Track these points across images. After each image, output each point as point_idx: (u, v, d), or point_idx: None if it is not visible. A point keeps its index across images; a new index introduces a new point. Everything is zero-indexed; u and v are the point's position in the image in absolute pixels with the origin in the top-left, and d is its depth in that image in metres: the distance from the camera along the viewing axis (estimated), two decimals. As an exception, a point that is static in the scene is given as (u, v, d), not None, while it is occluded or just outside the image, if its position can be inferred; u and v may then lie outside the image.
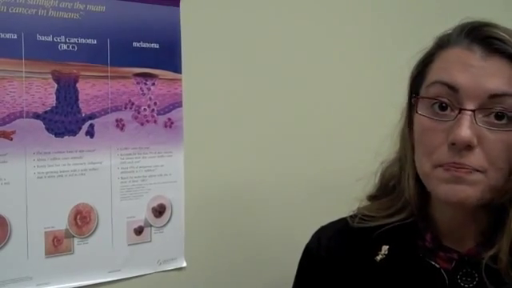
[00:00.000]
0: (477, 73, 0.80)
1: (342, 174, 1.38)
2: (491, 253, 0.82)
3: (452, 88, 0.82)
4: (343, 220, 0.98)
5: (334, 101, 1.39)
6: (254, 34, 1.27)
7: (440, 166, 0.82)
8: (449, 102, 0.82)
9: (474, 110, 0.80)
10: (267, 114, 1.29)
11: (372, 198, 0.97)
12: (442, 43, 0.87)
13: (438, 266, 0.87)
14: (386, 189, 0.95)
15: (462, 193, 0.81)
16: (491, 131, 0.80)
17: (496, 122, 0.80)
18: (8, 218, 0.98)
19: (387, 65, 1.41)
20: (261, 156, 1.29)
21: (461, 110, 0.80)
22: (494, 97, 0.79)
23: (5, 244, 0.98)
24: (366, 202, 0.97)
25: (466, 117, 0.80)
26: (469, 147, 0.80)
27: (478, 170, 0.80)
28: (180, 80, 1.16)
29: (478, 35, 0.83)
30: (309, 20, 1.35)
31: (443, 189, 0.82)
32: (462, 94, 0.81)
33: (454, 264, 0.86)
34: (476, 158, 0.80)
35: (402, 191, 0.91)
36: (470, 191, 0.81)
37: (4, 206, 0.98)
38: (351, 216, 0.97)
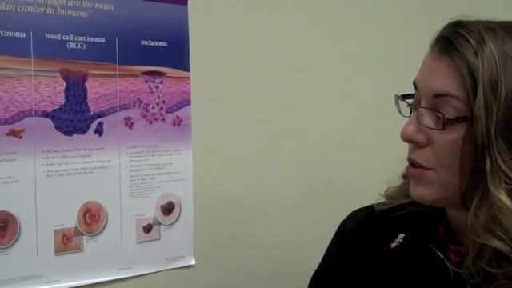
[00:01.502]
0: (428, 72, 0.83)
1: (349, 177, 1.38)
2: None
3: (415, 87, 0.85)
4: (370, 207, 1.01)
5: (344, 103, 1.39)
6: (263, 33, 1.27)
7: (408, 160, 0.86)
8: (413, 101, 0.85)
9: (417, 109, 0.82)
10: (275, 113, 1.29)
11: (403, 176, 0.99)
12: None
13: (442, 256, 0.88)
14: None
15: (418, 193, 0.85)
16: (437, 130, 0.81)
17: (440, 121, 0.80)
18: (17, 216, 0.99)
19: (392, 68, 1.41)
20: (269, 154, 1.29)
21: (412, 107, 0.84)
22: (438, 96, 0.80)
23: (14, 242, 0.99)
24: (397, 182, 0.99)
25: (413, 114, 0.83)
26: (416, 143, 0.82)
27: (427, 168, 0.82)
28: (188, 78, 1.16)
29: (439, 35, 0.84)
30: (320, 20, 1.35)
31: (410, 187, 0.86)
32: (420, 93, 0.83)
33: (459, 259, 0.87)
34: (423, 156, 0.82)
35: None
36: (425, 191, 0.84)
37: (13, 204, 0.98)
38: (378, 203, 0.99)
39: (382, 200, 1.00)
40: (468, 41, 0.79)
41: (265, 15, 1.27)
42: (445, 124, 0.79)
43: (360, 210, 1.05)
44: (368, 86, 1.42)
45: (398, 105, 0.89)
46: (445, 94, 0.80)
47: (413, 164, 0.85)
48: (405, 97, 0.88)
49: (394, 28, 1.46)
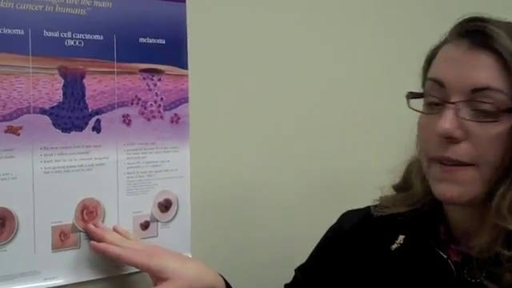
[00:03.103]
0: (461, 67, 0.81)
1: (348, 173, 1.39)
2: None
3: (440, 84, 0.83)
4: (366, 208, 1.01)
5: (340, 99, 1.39)
6: (261, 31, 1.27)
7: (434, 159, 0.83)
8: (437, 98, 0.84)
9: (455, 103, 0.81)
10: (273, 111, 1.30)
11: (394, 188, 0.99)
12: (440, 42, 0.89)
13: (445, 256, 0.88)
14: (404, 185, 0.97)
15: (454, 192, 0.82)
16: (478, 124, 0.80)
17: (481, 114, 0.80)
18: (15, 213, 0.99)
19: (393, 63, 1.42)
20: (266, 152, 1.29)
21: (444, 102, 0.82)
22: (477, 90, 0.80)
23: (12, 238, 0.99)
24: (388, 190, 0.99)
25: (449, 109, 0.81)
26: (453, 139, 0.81)
27: (466, 164, 0.81)
28: (186, 76, 1.16)
29: (465, 29, 0.84)
30: (318, 18, 1.35)
31: (438, 188, 0.84)
32: (447, 89, 0.82)
33: (461, 258, 0.87)
34: (462, 151, 0.81)
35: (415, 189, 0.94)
36: (461, 190, 0.82)
37: (11, 200, 0.98)
38: (374, 206, 0.99)
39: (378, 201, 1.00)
40: (501, 34, 0.80)
41: (264, 13, 1.27)
42: (492, 116, 0.79)
43: (355, 211, 1.04)
44: (368, 84, 1.42)
45: (409, 102, 0.88)
46: (486, 88, 0.80)
47: (441, 162, 0.83)
48: (415, 95, 0.87)
49: (401, 26, 1.46)
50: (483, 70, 0.80)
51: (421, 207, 0.93)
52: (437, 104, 0.84)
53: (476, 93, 0.80)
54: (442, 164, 0.83)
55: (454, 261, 0.88)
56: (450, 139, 0.81)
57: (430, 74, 0.86)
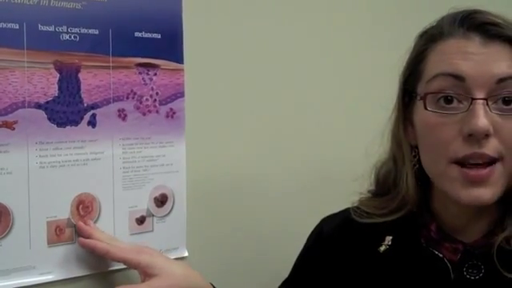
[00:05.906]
0: (480, 60, 0.79)
1: (341, 168, 1.39)
2: (505, 234, 0.82)
3: (457, 78, 0.80)
4: (346, 211, 0.99)
5: (333, 95, 1.39)
6: (257, 26, 1.27)
7: (456, 162, 0.80)
8: (455, 94, 0.80)
9: (486, 99, 0.79)
10: (268, 105, 1.29)
11: (372, 193, 0.97)
12: (433, 37, 0.85)
13: (441, 255, 0.87)
14: (381, 190, 0.95)
15: (488, 194, 0.79)
16: (503, 117, 0.79)
17: (505, 107, 0.79)
18: (10, 208, 0.99)
19: (378, 64, 1.41)
20: (262, 147, 1.29)
21: (473, 99, 0.79)
22: (501, 81, 0.79)
23: (7, 233, 0.99)
24: (366, 195, 0.98)
25: (479, 106, 0.78)
26: (486, 136, 0.78)
27: (496, 160, 0.79)
28: (182, 70, 1.16)
29: (473, 23, 0.82)
30: (310, 17, 1.35)
31: (463, 193, 0.80)
32: (468, 83, 0.80)
33: (459, 256, 0.86)
34: (493, 146, 0.79)
35: (397, 192, 0.90)
36: (491, 192, 0.80)
37: (6, 195, 0.98)
38: (353, 209, 0.97)
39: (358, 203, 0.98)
40: (509, 24, 0.81)
41: (259, 7, 1.27)
42: None
43: (333, 215, 1.02)
44: (361, 86, 1.42)
45: (424, 103, 0.83)
46: (510, 77, 0.79)
47: (463, 165, 0.80)
48: (445, 93, 0.82)
49: (384, 28, 1.47)
50: (503, 61, 0.79)
51: (401, 216, 0.90)
52: (448, 101, 0.81)
53: (499, 84, 0.79)
54: (466, 167, 0.80)
55: (449, 259, 0.87)
56: (484, 136, 0.78)
57: (438, 70, 0.82)
